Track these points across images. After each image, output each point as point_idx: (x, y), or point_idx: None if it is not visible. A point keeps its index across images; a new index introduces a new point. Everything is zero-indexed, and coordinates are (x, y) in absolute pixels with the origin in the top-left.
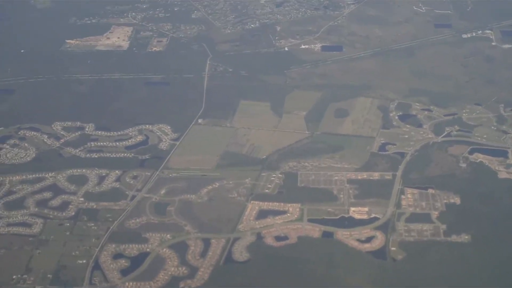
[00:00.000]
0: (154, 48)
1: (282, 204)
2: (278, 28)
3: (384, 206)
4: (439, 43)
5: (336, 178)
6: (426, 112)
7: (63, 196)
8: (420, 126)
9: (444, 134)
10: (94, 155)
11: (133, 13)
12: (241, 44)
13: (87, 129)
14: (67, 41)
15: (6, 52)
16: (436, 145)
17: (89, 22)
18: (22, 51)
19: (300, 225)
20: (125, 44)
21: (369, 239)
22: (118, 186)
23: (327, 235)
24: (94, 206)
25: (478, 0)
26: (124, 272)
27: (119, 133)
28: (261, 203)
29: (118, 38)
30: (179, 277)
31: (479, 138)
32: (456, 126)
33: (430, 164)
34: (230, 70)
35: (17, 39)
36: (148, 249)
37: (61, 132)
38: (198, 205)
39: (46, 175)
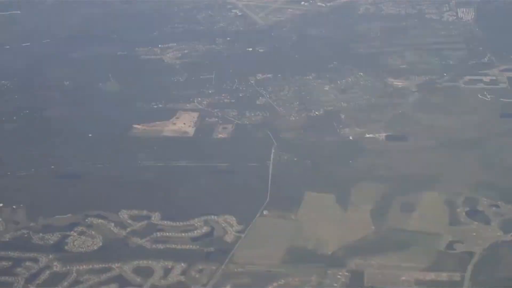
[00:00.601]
0: (220, 135)
1: None
2: (342, 116)
3: None
4: (507, 134)
5: (403, 278)
6: (493, 208)
7: None
8: (488, 223)
9: None
10: (160, 246)
11: (199, 98)
12: (305, 132)
13: (153, 218)
14: (134, 125)
15: (75, 136)
16: (505, 244)
17: (155, 106)
18: (89, 135)
19: None
20: (191, 131)
21: None
22: (183, 279)
23: None
24: None
25: None
26: None
27: (185, 223)
28: None
29: (184, 124)
30: None
31: None
32: None
33: (500, 265)
34: (295, 159)
35: (85, 123)
36: None
37: (128, 221)
38: None
39: (113, 266)
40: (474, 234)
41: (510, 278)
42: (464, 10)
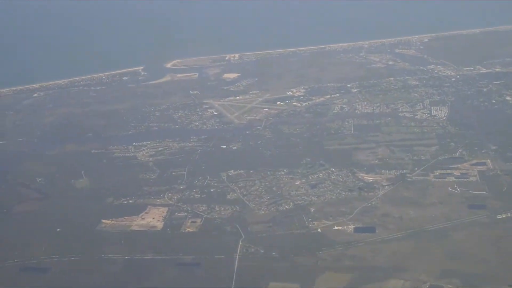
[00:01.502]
0: (188, 229)
1: None
2: (312, 210)
3: None
4: (473, 224)
5: None
6: None
7: None
8: None
9: None
10: None
11: (170, 194)
12: (274, 225)
13: None
14: (103, 220)
15: (43, 230)
16: None
17: (125, 202)
18: (58, 230)
19: None
20: (159, 225)
21: None
22: None
23: None
24: None
25: None
26: None
27: None
28: None
29: (153, 218)
30: None
31: None
32: None
33: None
34: (262, 251)
35: (54, 218)
36: None
37: None
38: None
39: None
40: None
41: None
42: (438, 108)
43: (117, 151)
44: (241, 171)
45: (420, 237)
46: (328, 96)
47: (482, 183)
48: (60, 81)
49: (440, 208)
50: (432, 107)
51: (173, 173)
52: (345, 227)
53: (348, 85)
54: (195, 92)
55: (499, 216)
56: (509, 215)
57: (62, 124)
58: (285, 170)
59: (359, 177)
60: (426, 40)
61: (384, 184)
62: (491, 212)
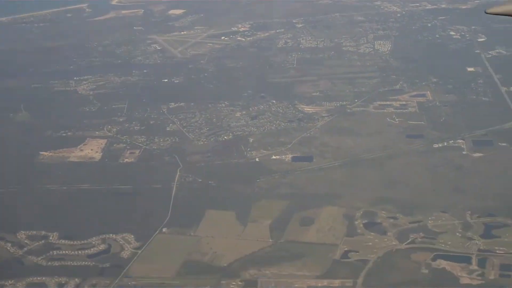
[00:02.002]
0: (126, 160)
1: None
2: (251, 140)
3: None
4: (410, 153)
5: (296, 285)
6: (391, 220)
7: None
8: (385, 233)
9: (408, 241)
10: (55, 263)
11: (109, 126)
12: (212, 155)
13: (51, 238)
14: (41, 153)
15: None
16: (399, 252)
17: (64, 134)
18: None
19: None
20: (97, 156)
21: None
22: None
23: None
24: None
25: (452, 111)
26: None
27: (82, 242)
28: None
29: (91, 150)
30: None
31: (443, 245)
32: (421, 233)
33: (392, 271)
34: (199, 180)
35: None
36: None
37: (25, 241)
38: None
39: (6, 283)
40: (370, 244)
41: (401, 283)
42: (381, 43)
43: (57, 85)
44: (182, 103)
45: (356, 166)
46: (273, 31)
47: (420, 114)
48: (3, 18)
49: (378, 138)
50: (375, 42)
51: (113, 106)
52: (283, 156)
53: (294, 21)
54: (139, 28)
55: (435, 145)
56: (445, 144)
57: (2, 60)
58: (226, 102)
59: (299, 108)
60: None
61: (323, 115)
62: (428, 141)
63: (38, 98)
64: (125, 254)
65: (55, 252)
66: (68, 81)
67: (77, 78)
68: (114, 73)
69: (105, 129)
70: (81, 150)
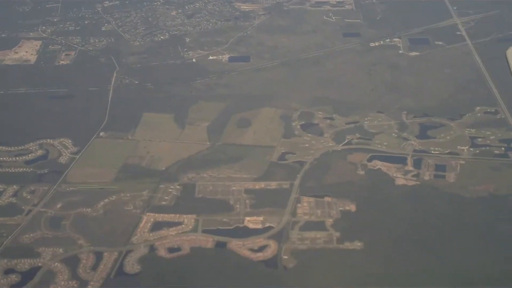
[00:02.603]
0: (62, 62)
1: (177, 215)
2: (187, 40)
3: (279, 215)
4: (346, 52)
5: (234, 188)
6: (328, 121)
7: None
8: (321, 135)
9: (344, 142)
10: None
11: (44, 27)
12: (149, 56)
13: None
14: None
15: None
16: (335, 153)
17: None
18: None
19: (194, 236)
20: (32, 58)
21: (261, 248)
22: (14, 201)
23: (220, 245)
24: None
25: (389, 9)
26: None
27: (19, 148)
28: (156, 215)
29: (26, 52)
30: None
31: (379, 146)
32: (357, 134)
33: (328, 172)
34: (136, 82)
35: None
36: (40, 264)
37: None
38: (93, 219)
39: None
40: (307, 145)
41: (337, 183)
42: None
43: None
44: (117, 1)
45: (293, 66)
46: None
47: (357, 11)
48: None
49: (315, 36)
50: None
51: (47, 6)
52: (220, 56)
53: None
54: None
55: (372, 44)
56: (381, 43)
57: None
58: (161, 0)
59: (236, 6)
60: None
61: (260, 13)
62: (365, 40)
63: None
64: (62, 159)
65: None
66: None
67: None
68: None
69: (39, 30)
70: (16, 52)
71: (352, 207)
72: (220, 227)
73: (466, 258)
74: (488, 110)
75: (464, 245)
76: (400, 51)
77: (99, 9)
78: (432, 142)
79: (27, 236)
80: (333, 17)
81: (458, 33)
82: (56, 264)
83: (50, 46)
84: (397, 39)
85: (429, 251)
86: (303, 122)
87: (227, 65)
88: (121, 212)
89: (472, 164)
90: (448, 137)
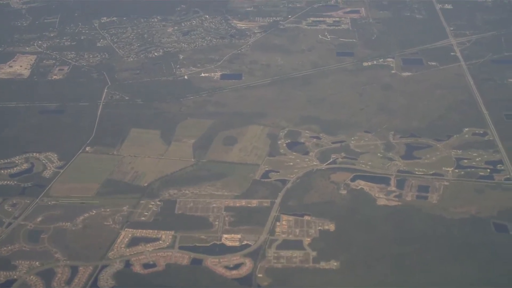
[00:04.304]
0: (54, 77)
1: (155, 231)
2: (181, 57)
3: (257, 233)
4: (339, 71)
5: (214, 205)
6: (314, 140)
7: None
8: (307, 153)
9: (329, 161)
10: None
11: (40, 42)
12: (141, 72)
13: None
14: None
15: None
16: (319, 172)
17: None
18: None
19: (171, 252)
20: (26, 72)
21: (237, 266)
22: None
23: (195, 262)
24: None
25: (385, 28)
26: None
27: (5, 161)
28: (134, 230)
29: (21, 66)
30: None
31: (363, 165)
32: (342, 154)
33: (310, 191)
34: (127, 98)
35: None
36: (15, 276)
37: None
38: (72, 233)
39: None
40: (291, 163)
41: (318, 202)
42: None
43: None
44: (114, 18)
45: (285, 84)
46: None
47: (353, 31)
48: None
49: (308, 55)
50: None
51: (45, 21)
52: (212, 74)
53: None
54: None
55: (365, 64)
56: (375, 62)
57: None
58: (158, 17)
59: (232, 24)
60: None
61: (256, 31)
62: (358, 59)
63: None
64: (47, 173)
65: None
66: None
67: None
68: None
69: (35, 44)
70: (10, 66)
71: (331, 227)
72: (197, 244)
73: (443, 280)
74: (477, 131)
75: (441, 268)
76: (393, 71)
77: (96, 24)
78: (417, 163)
79: (5, 248)
80: (328, 36)
81: (452, 53)
82: (31, 277)
83: (44, 61)
84: (391, 59)
85: (406, 273)
86: (289, 141)
87: (219, 83)
88: (100, 227)
89: (456, 186)
90: (434, 158)
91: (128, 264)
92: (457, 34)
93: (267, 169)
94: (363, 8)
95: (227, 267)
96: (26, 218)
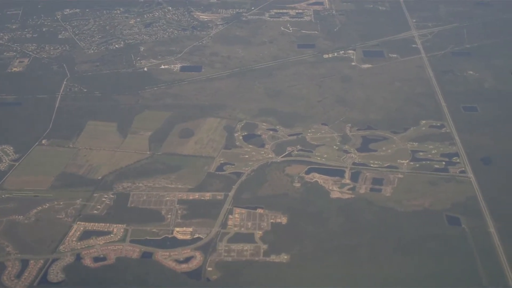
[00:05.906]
0: (14, 69)
1: (107, 225)
2: (142, 48)
3: (209, 226)
4: (299, 63)
5: (167, 198)
6: (271, 132)
7: None
8: (263, 146)
9: (284, 154)
10: None
11: (1, 34)
12: (101, 64)
13: None
14: None
15: None
16: (274, 165)
17: None
18: None
19: (121, 245)
20: None
21: (187, 260)
22: None
23: (146, 255)
24: None
25: (348, 20)
26: None
27: None
28: (87, 224)
29: None
30: None
31: (318, 158)
32: (298, 146)
33: (264, 184)
34: (85, 90)
35: None
36: None
37: None
38: (24, 226)
39: None
40: (247, 156)
41: (271, 195)
42: None
43: None
44: (77, 10)
45: (244, 76)
46: None
47: (315, 23)
48: None
49: (270, 47)
50: None
51: (8, 13)
52: (172, 66)
53: None
54: None
55: (325, 56)
56: (335, 54)
57: None
58: (121, 9)
59: (195, 16)
60: None
61: (218, 23)
62: (319, 51)
63: None
64: (2, 166)
65: None
66: None
67: None
68: None
69: None
70: None
71: (283, 220)
72: (149, 237)
73: (392, 272)
74: (434, 123)
75: (392, 260)
76: (353, 63)
77: (58, 16)
78: (373, 155)
79: None
80: (290, 28)
81: (414, 45)
82: None
83: (5, 53)
84: (352, 51)
85: (357, 265)
86: (245, 133)
87: (178, 75)
88: (53, 220)
89: (411, 178)
90: (389, 151)
91: (78, 257)
92: (420, 26)
93: (222, 161)
94: (326, 0)
95: (177, 261)
96: None
